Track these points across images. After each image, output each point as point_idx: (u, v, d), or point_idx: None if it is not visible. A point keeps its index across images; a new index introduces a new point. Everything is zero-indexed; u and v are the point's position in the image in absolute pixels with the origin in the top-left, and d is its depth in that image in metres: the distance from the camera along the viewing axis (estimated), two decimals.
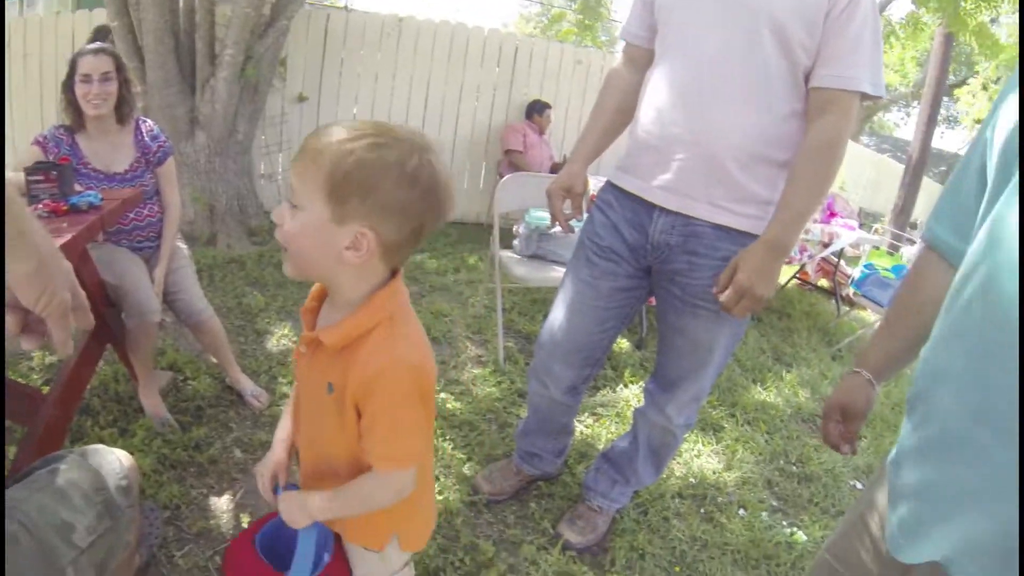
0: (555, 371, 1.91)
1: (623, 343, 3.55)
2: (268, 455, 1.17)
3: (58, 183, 1.83)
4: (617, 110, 1.78)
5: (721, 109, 1.47)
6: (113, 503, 1.19)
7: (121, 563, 1.23)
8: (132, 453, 2.06)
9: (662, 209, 1.60)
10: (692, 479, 2.44)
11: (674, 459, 2.49)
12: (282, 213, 0.90)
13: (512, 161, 5.76)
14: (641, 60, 1.72)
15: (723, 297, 1.51)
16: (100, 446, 1.28)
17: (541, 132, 5.93)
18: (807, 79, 1.47)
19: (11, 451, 1.98)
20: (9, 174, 2.05)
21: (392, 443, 0.95)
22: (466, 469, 2.28)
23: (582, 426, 2.66)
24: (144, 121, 2.43)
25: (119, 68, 2.27)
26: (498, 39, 6.20)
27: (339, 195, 0.84)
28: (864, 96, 1.45)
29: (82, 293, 0.90)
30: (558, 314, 1.87)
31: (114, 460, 1.25)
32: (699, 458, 2.58)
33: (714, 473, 2.51)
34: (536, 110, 5.93)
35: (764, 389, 3.33)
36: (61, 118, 2.30)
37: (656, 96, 1.59)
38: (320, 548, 1.11)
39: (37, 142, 2.22)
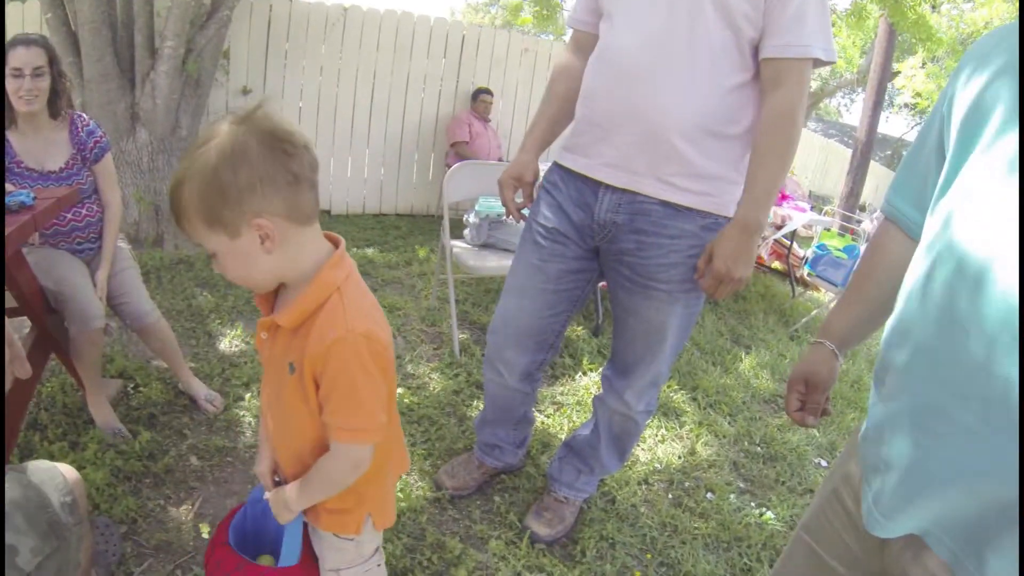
0: (508, 357, 1.88)
1: (579, 330, 3.55)
2: (260, 455, 1.19)
3: None
4: (565, 98, 1.75)
5: (664, 83, 1.45)
6: (58, 522, 1.13)
7: None
8: (84, 467, 2.00)
9: (607, 187, 1.57)
10: (657, 465, 2.44)
11: (638, 445, 2.50)
12: (216, 265, 0.96)
13: (459, 152, 5.71)
14: (587, 46, 1.69)
15: (703, 284, 1.51)
16: (41, 461, 1.21)
17: (485, 120, 5.89)
18: (755, 52, 1.46)
19: None
20: None
21: (348, 414, 0.97)
22: (427, 465, 2.24)
23: (543, 416, 2.65)
24: (80, 116, 2.31)
25: (52, 61, 2.14)
26: (444, 28, 6.11)
27: (213, 218, 0.89)
28: (816, 62, 1.45)
29: (17, 344, 0.85)
30: (508, 299, 1.85)
31: (57, 475, 1.19)
32: (663, 443, 2.59)
33: (679, 458, 2.51)
34: (475, 97, 5.90)
35: (724, 372, 3.36)
36: None
37: (599, 74, 1.57)
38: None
39: None
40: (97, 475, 1.96)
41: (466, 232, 3.49)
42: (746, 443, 2.73)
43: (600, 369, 3.02)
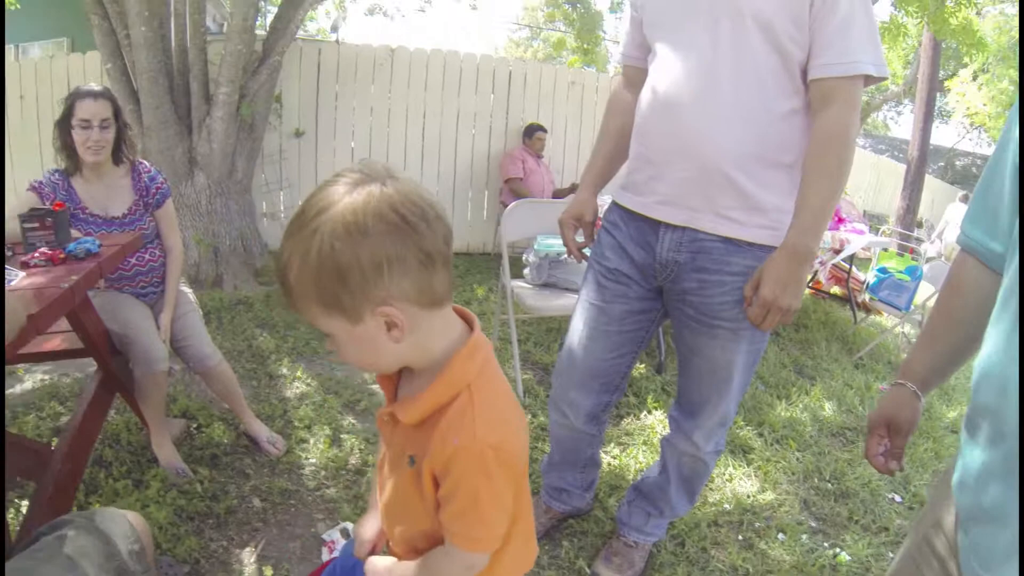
0: (573, 399, 1.84)
1: (642, 367, 3.45)
2: (367, 518, 1.12)
3: (53, 230, 1.77)
4: (620, 134, 1.72)
5: (714, 114, 1.41)
6: (127, 570, 1.11)
7: None
8: (147, 505, 2.01)
9: (667, 225, 1.53)
10: (727, 504, 2.34)
11: (706, 485, 2.39)
12: (329, 345, 0.85)
13: (513, 189, 5.72)
14: (638, 80, 1.66)
15: (749, 313, 1.45)
16: (109, 508, 1.20)
17: (538, 156, 5.89)
18: (804, 74, 1.40)
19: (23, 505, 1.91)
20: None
21: (467, 524, 0.87)
22: (533, 544, 2.16)
23: (609, 457, 2.56)
24: (142, 163, 2.37)
25: (117, 113, 2.21)
26: (491, 65, 6.19)
27: (332, 303, 0.77)
28: (868, 80, 1.38)
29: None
30: (572, 340, 1.81)
31: (124, 523, 1.17)
32: (731, 482, 2.48)
33: (748, 497, 2.40)
34: (527, 134, 5.91)
35: (790, 405, 3.23)
36: (58, 161, 2.24)
37: (649, 108, 1.54)
38: None
39: (33, 188, 2.14)
40: (160, 514, 1.97)
41: (526, 271, 3.46)
42: (816, 479, 2.60)
43: (665, 407, 2.95)
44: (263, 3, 4.85)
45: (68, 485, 1.66)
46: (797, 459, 2.69)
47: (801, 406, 3.23)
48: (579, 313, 1.78)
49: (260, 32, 4.89)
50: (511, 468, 0.87)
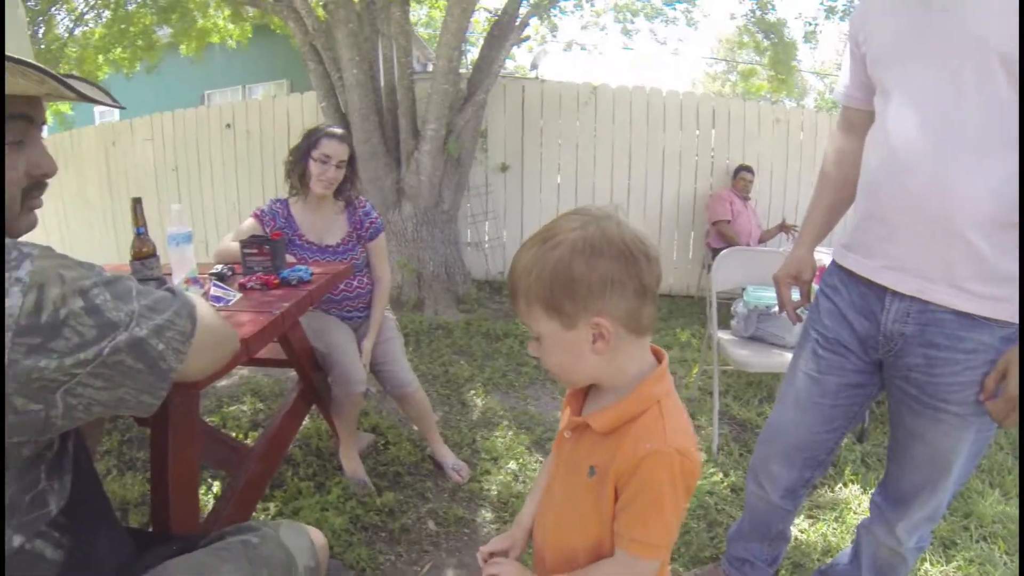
0: (773, 471, 1.70)
1: (846, 436, 3.08)
2: (509, 531, 1.17)
3: (271, 257, 1.96)
4: (841, 185, 1.57)
5: (954, 167, 1.21)
6: None
7: None
8: (326, 509, 2.14)
9: (894, 293, 1.36)
10: None
11: None
12: (533, 347, 0.97)
13: (720, 231, 5.50)
14: (860, 124, 1.50)
15: (991, 408, 1.25)
16: (294, 523, 1.29)
17: (745, 198, 5.63)
18: None
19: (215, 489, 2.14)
20: (226, 243, 2.26)
21: (646, 527, 0.92)
22: (668, 571, 2.06)
23: (797, 530, 2.31)
24: (357, 197, 2.56)
25: (352, 158, 2.44)
26: (694, 102, 6.05)
27: (553, 306, 0.89)
28: None
29: None
30: (781, 410, 1.68)
31: (306, 539, 1.25)
32: None
33: None
34: (734, 175, 5.68)
35: (1004, 497, 2.65)
36: (279, 189, 2.49)
37: (879, 161, 1.36)
38: None
39: (255, 215, 2.40)
40: (337, 520, 2.09)
41: (733, 322, 3.30)
42: None
43: (862, 481, 2.62)
44: (465, 44, 5.14)
45: (258, 483, 1.81)
46: (1005, 564, 2.20)
47: (1016, 499, 2.64)
48: (790, 381, 1.65)
49: (465, 71, 5.19)
50: (690, 479, 0.92)
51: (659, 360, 1.00)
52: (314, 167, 2.34)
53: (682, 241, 6.27)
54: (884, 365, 1.45)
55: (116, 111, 7.22)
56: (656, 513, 0.91)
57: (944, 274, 1.27)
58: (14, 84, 0.87)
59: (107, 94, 1.07)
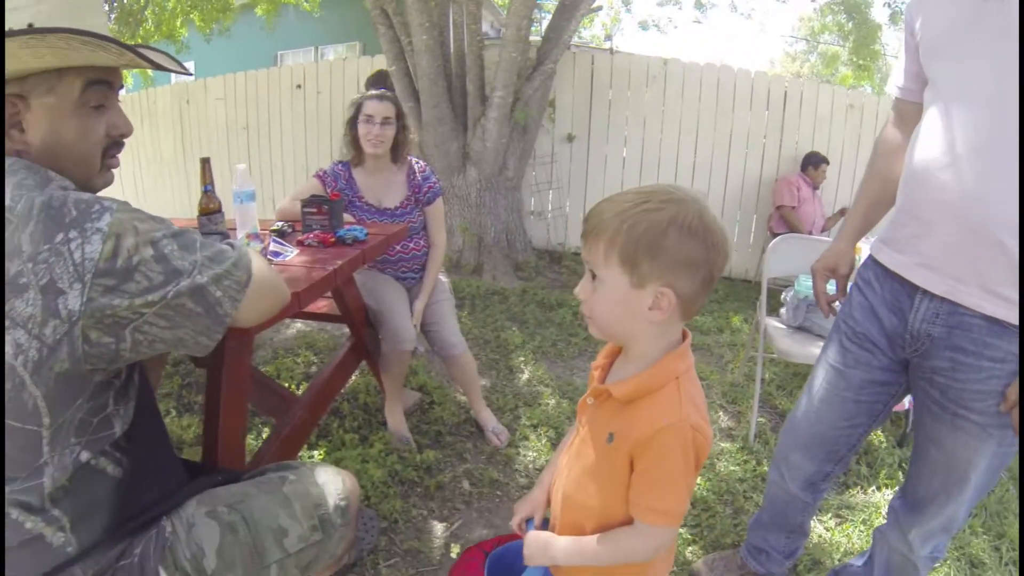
0: (794, 461, 1.70)
1: (882, 435, 3.00)
2: (530, 492, 1.23)
3: (329, 216, 2.04)
4: (887, 178, 1.52)
5: (999, 167, 1.16)
6: (329, 520, 1.27)
7: (327, 567, 1.32)
8: (367, 461, 2.25)
9: (925, 292, 1.32)
10: None
11: None
12: (584, 287, 0.99)
13: (784, 216, 5.38)
14: (912, 117, 1.44)
15: (1014, 418, 1.22)
16: (329, 466, 1.38)
17: (815, 187, 5.45)
18: None
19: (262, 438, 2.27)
20: (288, 203, 2.36)
21: (662, 495, 0.97)
22: (689, 552, 2.08)
23: (822, 528, 2.30)
24: (418, 162, 2.63)
25: (399, 115, 2.50)
26: (765, 82, 5.85)
27: (632, 261, 0.92)
28: None
29: None
30: (805, 400, 1.67)
31: (338, 481, 1.34)
32: None
33: None
34: (812, 163, 5.45)
35: None
36: (343, 151, 2.58)
37: (921, 153, 1.32)
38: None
39: (318, 176, 2.51)
40: (376, 472, 2.20)
41: (782, 310, 3.24)
42: None
43: (897, 485, 2.57)
44: (537, 12, 5.10)
45: (303, 430, 1.92)
46: None
47: None
48: (817, 372, 1.64)
49: (535, 39, 5.17)
50: (701, 453, 0.97)
51: (684, 338, 1.03)
52: (361, 128, 2.43)
53: (744, 224, 6.14)
54: (910, 365, 1.43)
55: (195, 71, 7.48)
56: (671, 484, 0.96)
57: (977, 277, 1.23)
58: (95, 57, 0.99)
59: (178, 63, 1.18)
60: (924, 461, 1.46)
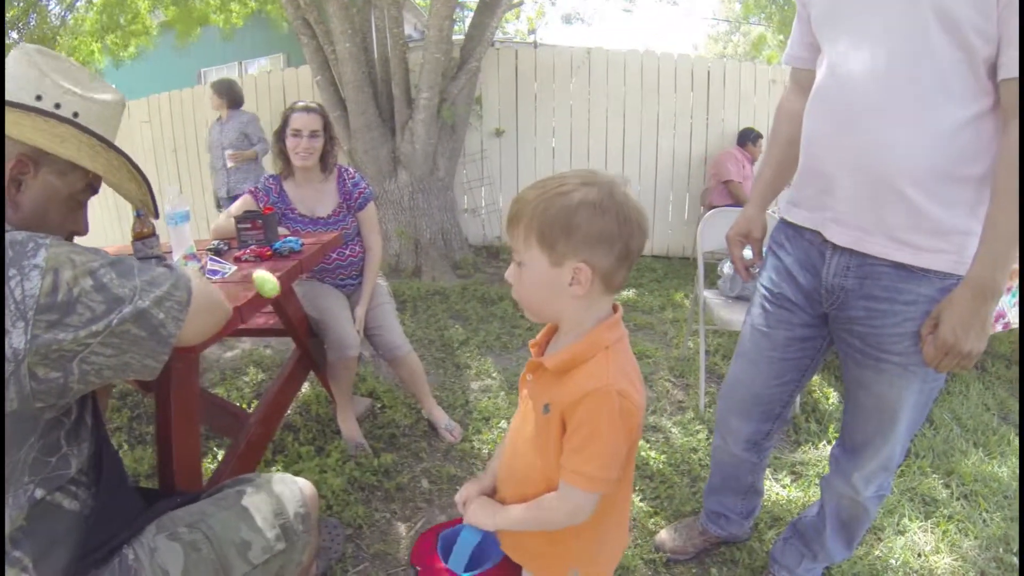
0: (732, 424, 1.78)
1: (830, 392, 3.16)
2: (478, 477, 1.28)
3: (264, 230, 2.04)
4: (789, 142, 1.59)
5: (888, 120, 1.24)
6: (291, 528, 1.29)
7: None
8: (325, 471, 2.25)
9: (834, 247, 1.40)
10: (893, 560, 2.07)
11: (874, 534, 2.16)
12: (511, 272, 1.05)
13: (731, 191, 5.41)
14: (808, 84, 1.51)
15: (925, 353, 1.29)
16: (286, 475, 1.40)
17: (753, 161, 5.54)
18: (993, 71, 1.19)
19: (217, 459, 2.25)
20: (223, 220, 2.35)
21: (584, 459, 1.00)
22: (651, 523, 2.16)
23: (779, 486, 2.40)
24: (346, 169, 2.63)
25: (326, 126, 2.50)
26: (688, 64, 6.03)
27: (548, 241, 0.98)
28: None
29: None
30: (736, 365, 1.74)
31: (296, 489, 1.36)
32: (903, 535, 2.19)
33: (919, 556, 2.11)
34: (750, 139, 5.56)
35: (987, 456, 2.73)
36: (275, 165, 2.57)
37: (816, 116, 1.41)
38: (484, 549, 1.18)
39: (250, 191, 2.49)
40: (335, 481, 2.21)
41: (720, 282, 3.36)
42: (1000, 549, 2.17)
43: None
44: (459, 10, 5.14)
45: (258, 445, 1.92)
46: (984, 521, 2.30)
47: (1000, 459, 2.72)
48: (744, 336, 1.72)
49: (459, 37, 5.20)
50: (629, 419, 1.00)
51: (615, 311, 1.09)
52: (289, 143, 2.44)
53: (677, 203, 6.31)
54: (829, 318, 1.51)
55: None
56: (594, 447, 0.99)
57: (881, 227, 1.31)
58: (109, 169, 1.16)
59: (153, 202, 1.33)
60: (856, 407, 1.54)
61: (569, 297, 1.01)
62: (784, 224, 1.58)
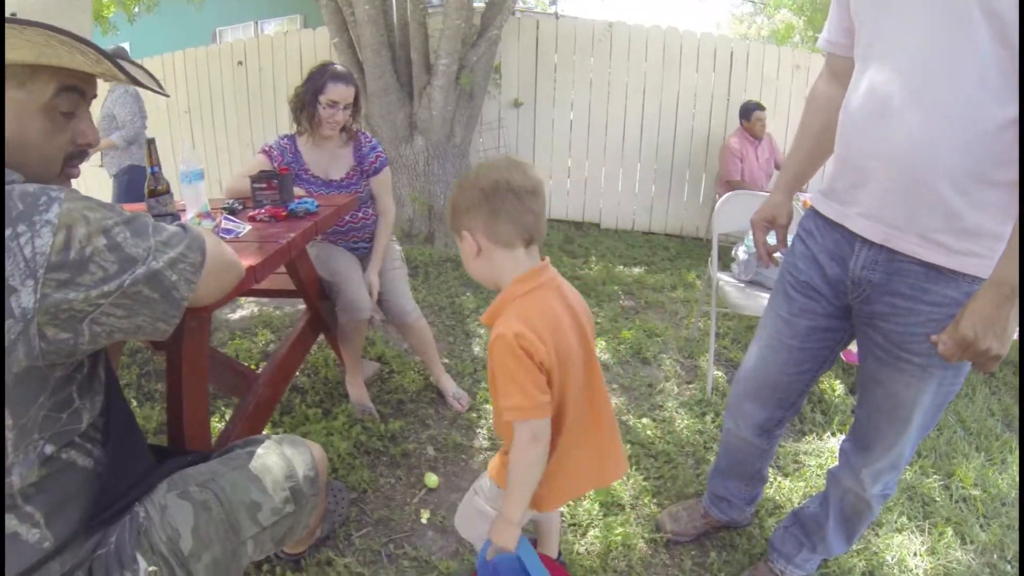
0: (746, 410, 1.77)
1: (837, 384, 3.13)
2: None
3: (279, 190, 2.02)
4: (821, 131, 1.56)
5: (928, 117, 1.19)
6: (300, 491, 1.30)
7: (301, 538, 1.35)
8: (332, 434, 2.27)
9: (864, 240, 1.37)
10: (888, 557, 2.07)
11: (872, 530, 2.16)
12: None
13: (733, 187, 5.23)
14: (844, 72, 1.47)
15: (941, 346, 1.25)
16: (296, 437, 1.41)
17: (757, 138, 5.40)
18: None
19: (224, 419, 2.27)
20: (236, 181, 2.33)
21: (509, 394, 1.16)
22: (654, 503, 2.17)
23: (781, 475, 2.40)
24: (364, 134, 2.60)
25: (357, 97, 2.47)
26: (711, 43, 5.89)
27: (452, 223, 1.27)
28: None
29: None
30: (755, 350, 1.73)
31: (306, 452, 1.37)
32: (900, 533, 2.18)
33: (914, 555, 2.10)
34: (744, 115, 5.39)
35: (988, 461, 2.69)
36: (289, 125, 2.54)
37: (854, 106, 1.36)
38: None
39: (264, 151, 2.47)
40: (341, 444, 2.23)
41: (734, 265, 3.33)
42: (995, 555, 2.16)
43: None
44: None
45: (266, 406, 1.92)
46: (981, 526, 2.28)
47: (1001, 465, 2.69)
48: (765, 322, 1.70)
49: (479, 5, 5.11)
50: (532, 353, 1.14)
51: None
52: (324, 112, 2.39)
53: (694, 182, 6.24)
54: (853, 311, 1.49)
55: (130, 52, 7.13)
56: (510, 382, 1.15)
57: (913, 225, 1.28)
58: (69, 59, 0.95)
59: (155, 80, 1.17)
60: (871, 403, 1.52)
61: (484, 261, 1.24)
62: (814, 213, 1.54)
